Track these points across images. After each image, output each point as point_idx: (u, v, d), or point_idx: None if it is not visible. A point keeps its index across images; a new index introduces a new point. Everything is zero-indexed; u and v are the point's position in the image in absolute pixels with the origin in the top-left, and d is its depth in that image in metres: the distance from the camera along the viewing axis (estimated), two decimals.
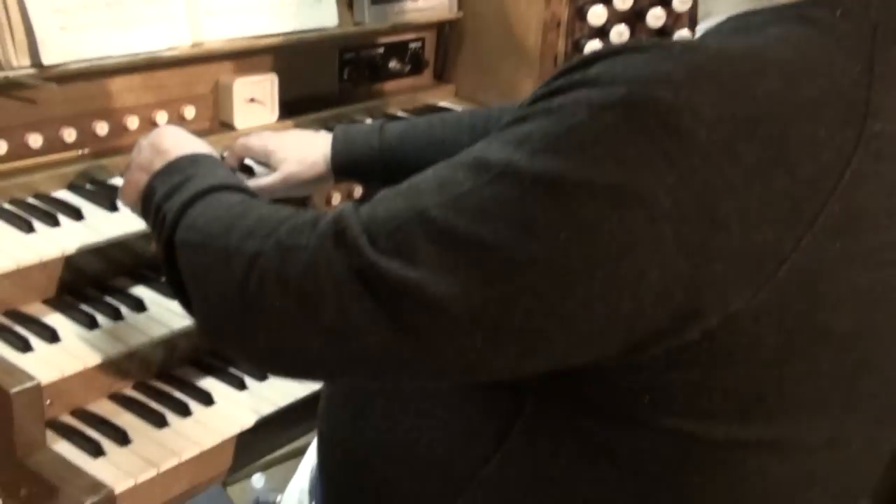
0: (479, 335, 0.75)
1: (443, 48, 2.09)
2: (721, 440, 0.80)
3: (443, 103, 2.04)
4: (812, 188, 0.72)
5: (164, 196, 1.02)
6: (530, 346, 0.75)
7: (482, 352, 0.76)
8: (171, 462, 1.14)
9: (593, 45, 1.94)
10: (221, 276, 0.86)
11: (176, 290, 0.96)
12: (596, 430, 0.83)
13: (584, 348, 0.75)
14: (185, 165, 1.07)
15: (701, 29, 0.86)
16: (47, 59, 1.35)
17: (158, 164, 1.09)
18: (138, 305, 1.29)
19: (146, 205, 1.06)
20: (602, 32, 1.94)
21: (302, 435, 1.36)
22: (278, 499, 2.13)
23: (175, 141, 1.14)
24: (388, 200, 0.80)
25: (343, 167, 1.42)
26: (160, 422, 1.19)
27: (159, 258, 0.98)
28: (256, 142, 1.48)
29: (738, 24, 0.79)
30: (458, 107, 2.02)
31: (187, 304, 0.96)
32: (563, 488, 0.87)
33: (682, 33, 1.97)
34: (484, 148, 0.77)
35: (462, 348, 0.76)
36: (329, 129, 1.78)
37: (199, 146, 1.14)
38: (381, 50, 1.94)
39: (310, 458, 1.38)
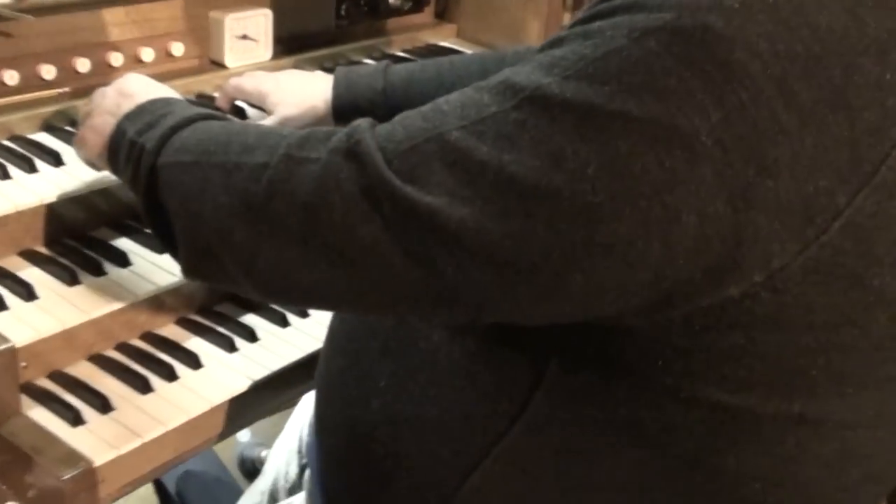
0: (492, 270, 0.69)
1: None
2: (759, 414, 0.74)
3: (445, 43, 1.94)
4: (874, 137, 0.65)
5: (138, 132, 0.94)
6: (546, 288, 0.70)
7: (493, 289, 0.71)
8: (157, 431, 1.06)
9: None
10: (220, 191, 0.81)
11: (158, 227, 0.89)
12: (623, 400, 0.77)
13: (605, 297, 0.69)
14: (159, 106, 0.98)
15: None
16: None
17: (127, 107, 1.00)
18: (122, 260, 1.20)
19: (114, 147, 0.97)
20: None
21: (297, 397, 1.29)
22: (263, 453, 2.09)
23: (143, 85, 1.05)
24: (409, 119, 0.75)
25: (344, 111, 1.33)
26: (144, 387, 1.12)
27: (137, 192, 0.90)
28: (250, 82, 1.39)
29: None
30: (460, 47, 1.92)
31: (171, 244, 0.88)
32: (587, 464, 0.81)
33: None
34: (515, 71, 0.71)
35: (472, 283, 0.71)
36: (325, 68, 1.70)
37: (169, 92, 1.06)
38: None
39: (299, 417, 1.32)
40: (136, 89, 1.04)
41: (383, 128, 0.75)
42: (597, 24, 0.68)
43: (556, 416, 0.80)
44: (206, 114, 0.94)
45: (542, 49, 0.72)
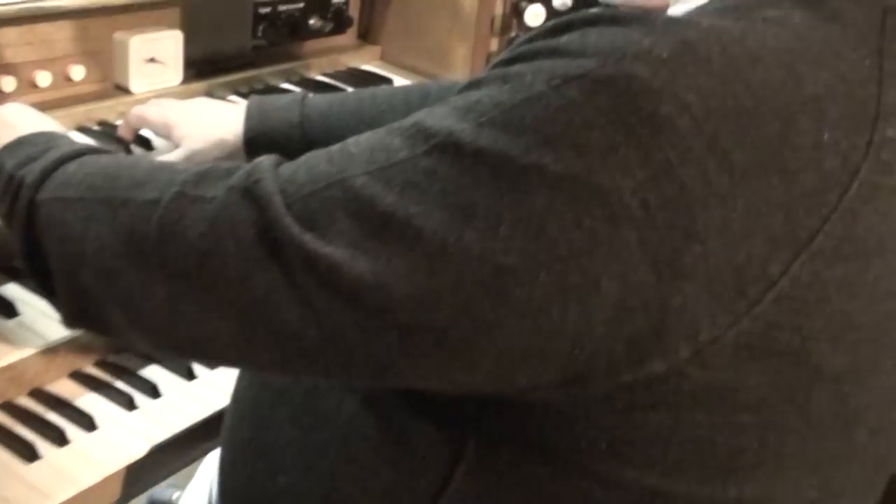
0: (394, 332, 0.63)
1: (368, 5, 1.90)
2: (694, 499, 0.69)
3: (367, 66, 1.86)
4: (811, 201, 0.61)
5: (17, 165, 0.85)
6: (452, 355, 0.63)
7: (395, 353, 0.64)
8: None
9: (534, 10, 1.78)
10: (105, 230, 0.74)
11: (36, 270, 0.81)
12: (548, 482, 0.71)
13: (517, 368, 0.63)
14: (42, 139, 0.90)
15: (679, 8, 0.73)
16: None
17: (6, 138, 0.91)
18: (8, 310, 1.10)
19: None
20: None
21: (203, 455, 1.20)
22: (175, 496, 1.98)
23: (24, 116, 0.97)
24: (314, 160, 0.68)
25: (257, 145, 1.24)
26: (30, 454, 1.01)
27: (13, 230, 0.82)
28: (155, 112, 1.29)
29: (724, 5, 0.67)
30: (383, 70, 1.85)
31: (50, 289, 0.80)
32: None
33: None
34: (429, 113, 0.65)
35: (373, 345, 0.64)
36: (240, 93, 1.61)
37: (53, 125, 0.98)
38: (300, 5, 1.74)
39: (210, 467, 1.23)
40: (16, 120, 0.96)
41: (287, 167, 0.69)
42: (516, 68, 0.63)
43: (479, 497, 0.74)
44: (93, 148, 0.87)
45: (461, 90, 0.66)
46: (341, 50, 1.85)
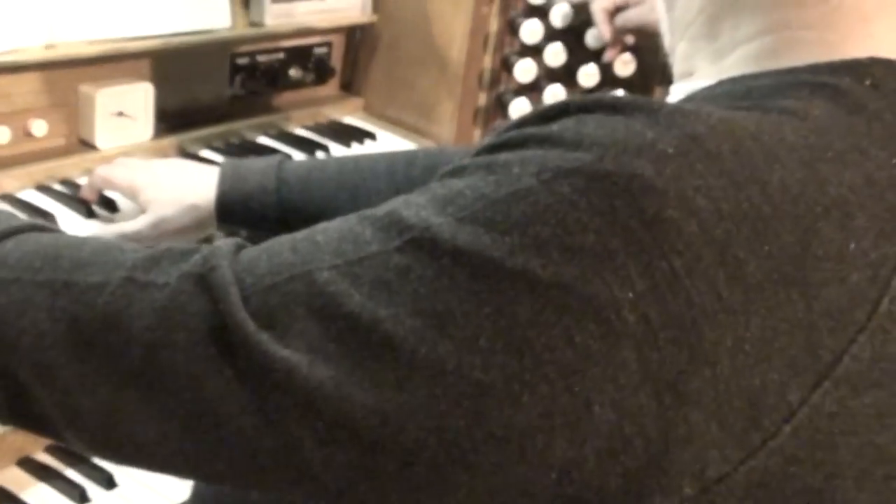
0: (355, 451, 0.55)
1: (352, 55, 1.83)
2: None
3: (349, 119, 1.78)
4: (836, 320, 0.54)
5: None
6: (420, 483, 0.56)
7: (355, 474, 0.56)
8: None
9: (524, 65, 1.71)
10: (43, 316, 0.65)
11: None
12: None
13: (494, 500, 0.55)
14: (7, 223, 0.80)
15: (681, 91, 0.67)
16: None
17: None
18: None
19: None
20: (536, 50, 1.72)
21: None
22: None
23: None
24: (277, 247, 0.61)
25: (229, 213, 1.17)
26: None
27: None
28: (121, 174, 1.21)
29: (734, 89, 0.62)
30: (365, 124, 1.78)
31: None
32: None
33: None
34: (406, 202, 0.58)
35: (331, 462, 0.56)
36: (214, 147, 1.53)
37: None
38: (280, 55, 1.67)
39: None
40: None
41: (248, 253, 0.62)
42: (503, 156, 0.56)
43: None
44: (35, 224, 0.77)
45: (443, 176, 0.59)
46: (323, 101, 1.77)
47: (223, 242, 0.63)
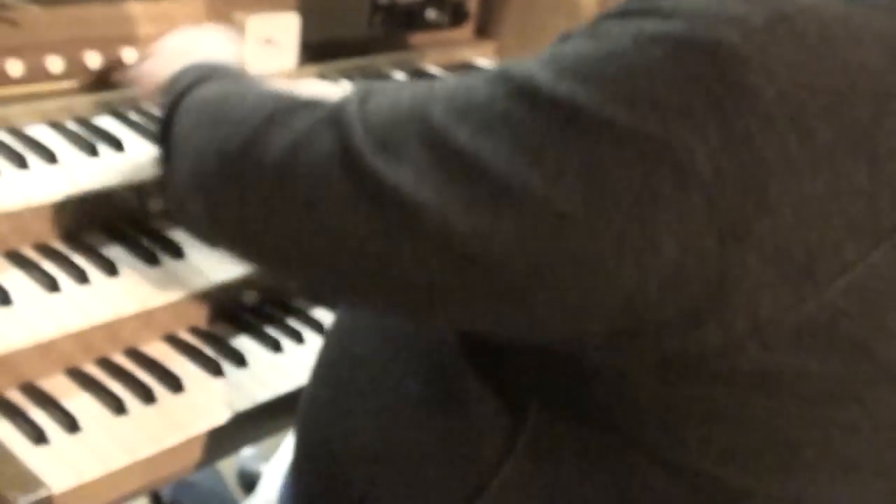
0: (447, 261, 0.64)
1: (487, 0, 1.89)
2: (751, 494, 0.67)
3: (481, 61, 1.85)
4: None
5: (185, 73, 0.99)
6: (501, 294, 0.64)
7: (445, 281, 0.65)
8: (123, 460, 0.99)
9: None
10: (207, 134, 0.82)
11: (162, 162, 0.95)
12: (604, 458, 0.71)
13: (564, 316, 0.64)
14: (218, 68, 1.00)
15: None
16: None
17: (195, 58, 1.04)
18: (110, 268, 1.13)
19: (166, 84, 1.01)
20: None
21: (283, 429, 1.21)
22: (263, 467, 2.02)
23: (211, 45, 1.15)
24: (398, 95, 0.71)
25: None
26: (118, 407, 1.04)
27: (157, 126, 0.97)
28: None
29: None
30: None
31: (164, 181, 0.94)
32: None
33: None
34: (514, 62, 0.68)
35: (425, 270, 0.65)
36: (352, 79, 1.62)
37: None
38: None
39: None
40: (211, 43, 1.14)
41: (374, 101, 0.72)
42: (605, 24, 0.63)
43: (539, 466, 0.74)
44: (243, 74, 0.99)
45: (552, 45, 0.68)
46: (457, 44, 1.85)
47: (351, 93, 0.74)
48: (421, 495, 0.81)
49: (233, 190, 0.77)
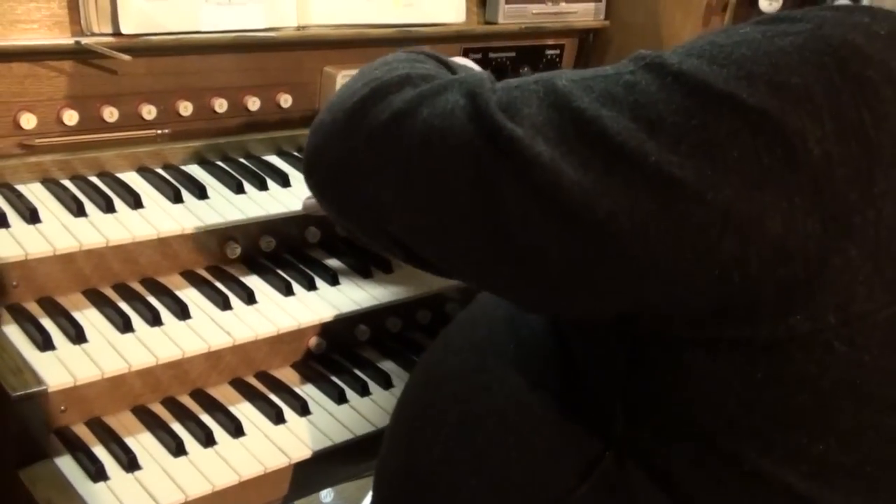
0: (552, 213, 0.65)
1: (583, 60, 1.89)
2: None
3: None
4: None
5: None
6: (600, 252, 0.65)
7: (546, 234, 0.66)
8: (175, 499, 1.00)
9: None
10: (341, 91, 0.86)
11: None
12: (686, 470, 0.71)
13: (660, 284, 0.64)
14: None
15: None
16: (126, 27, 1.24)
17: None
18: (184, 312, 1.16)
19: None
20: None
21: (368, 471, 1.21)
22: None
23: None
24: (526, 78, 0.74)
25: None
26: (178, 449, 1.06)
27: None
28: None
29: None
30: None
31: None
32: None
33: None
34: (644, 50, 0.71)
35: (528, 221, 0.67)
36: None
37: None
38: (511, 54, 1.76)
39: None
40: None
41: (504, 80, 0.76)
42: (736, 27, 0.68)
43: (621, 482, 0.75)
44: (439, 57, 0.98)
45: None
46: None
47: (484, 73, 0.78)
48: (500, 496, 0.81)
49: (348, 136, 0.79)
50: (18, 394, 0.98)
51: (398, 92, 0.77)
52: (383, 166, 0.76)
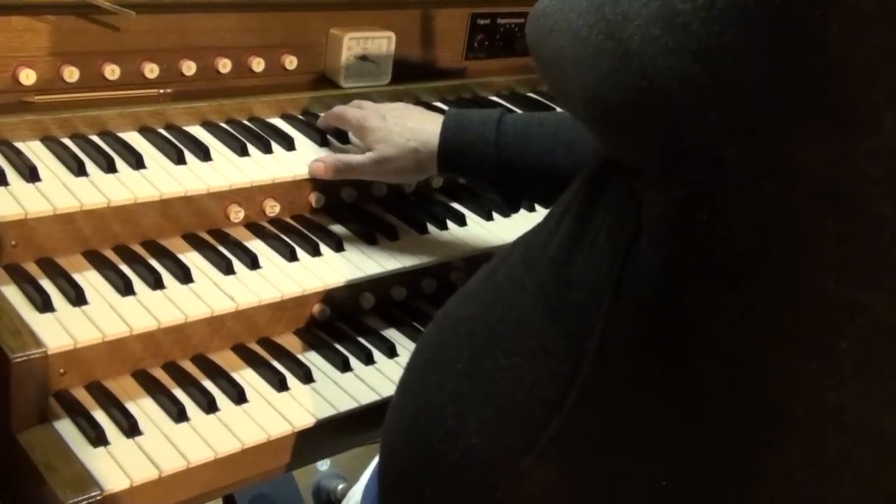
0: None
1: None
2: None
3: None
4: None
5: None
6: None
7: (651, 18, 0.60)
8: (176, 465, 0.98)
9: None
10: None
11: None
12: (687, 367, 0.70)
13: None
14: None
15: None
16: None
17: None
18: (186, 275, 1.13)
19: None
20: None
21: (371, 440, 1.20)
22: (340, 487, 2.01)
23: None
24: None
25: (449, 160, 1.22)
26: (179, 415, 1.04)
27: None
28: (354, 115, 1.31)
29: None
30: None
31: None
32: (635, 451, 0.74)
33: None
34: None
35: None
36: (447, 101, 1.61)
37: None
38: (520, 20, 1.73)
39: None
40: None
41: None
42: None
43: (610, 384, 0.73)
44: None
45: None
46: None
47: None
48: (503, 425, 0.80)
49: None
50: (17, 355, 0.96)
51: None
52: None
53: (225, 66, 1.37)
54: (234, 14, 1.36)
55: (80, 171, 1.14)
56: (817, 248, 0.60)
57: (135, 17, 1.21)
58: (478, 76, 1.68)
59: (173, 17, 1.30)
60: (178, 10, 1.30)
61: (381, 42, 1.51)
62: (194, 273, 1.14)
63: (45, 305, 1.03)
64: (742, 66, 0.57)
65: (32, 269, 1.10)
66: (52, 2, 1.18)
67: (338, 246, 1.26)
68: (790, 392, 0.66)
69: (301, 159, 1.30)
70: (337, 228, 1.31)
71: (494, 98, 1.68)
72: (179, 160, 1.22)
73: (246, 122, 1.37)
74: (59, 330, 1.01)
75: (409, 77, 1.57)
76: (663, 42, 0.60)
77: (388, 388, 1.15)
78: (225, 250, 1.19)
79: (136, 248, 1.18)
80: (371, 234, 1.30)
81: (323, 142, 1.36)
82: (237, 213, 1.25)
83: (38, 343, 0.98)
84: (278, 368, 1.15)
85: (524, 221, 1.41)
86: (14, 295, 1.04)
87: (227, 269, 1.16)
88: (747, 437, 0.69)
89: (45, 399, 1.01)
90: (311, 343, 1.21)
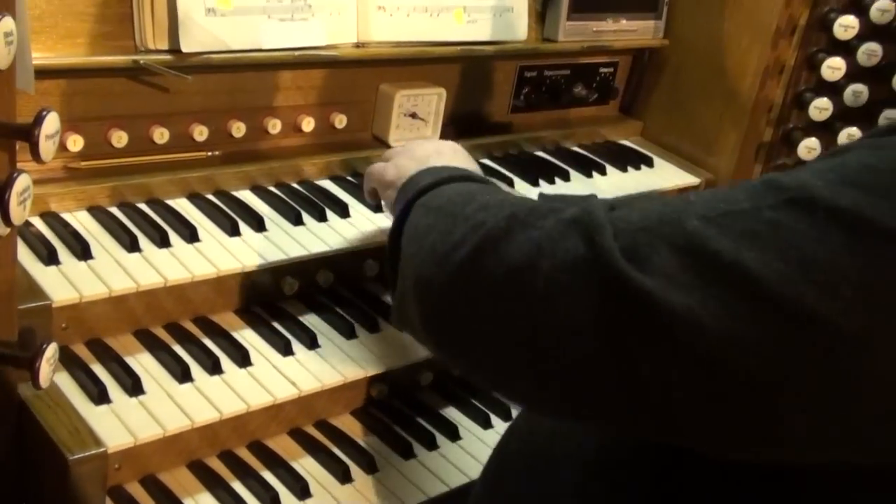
0: (695, 373, 0.59)
1: (636, 78, 1.81)
2: None
3: (626, 142, 1.77)
4: None
5: (424, 174, 0.95)
6: (754, 414, 0.59)
7: (689, 398, 0.60)
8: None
9: (820, 103, 1.63)
10: (440, 237, 0.76)
11: (389, 263, 0.90)
12: None
13: (827, 440, 0.59)
14: (452, 169, 0.96)
15: None
16: (187, 45, 1.15)
17: (434, 162, 1.01)
18: (244, 358, 1.07)
19: (404, 185, 0.97)
20: (833, 89, 1.63)
21: None
22: None
23: (458, 155, 1.10)
24: (647, 203, 0.67)
25: None
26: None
27: (392, 224, 0.92)
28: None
29: None
30: (641, 147, 1.75)
31: (391, 284, 0.90)
32: None
33: None
34: (780, 174, 0.63)
35: (667, 386, 0.60)
36: (494, 157, 1.56)
37: (474, 167, 1.08)
38: (566, 72, 1.68)
39: None
40: (449, 153, 1.07)
41: (621, 209, 0.68)
42: (892, 139, 0.60)
43: None
44: (477, 177, 0.94)
45: (818, 159, 0.64)
46: (601, 121, 1.77)
47: (593, 198, 0.71)
48: None
49: (459, 291, 0.72)
50: (76, 456, 0.89)
51: (508, 238, 0.69)
52: (507, 319, 0.68)
53: (275, 126, 1.31)
54: (285, 72, 1.30)
55: (132, 246, 1.08)
56: None
57: (190, 80, 1.15)
58: (524, 130, 1.63)
59: (224, 76, 1.24)
60: (231, 70, 1.24)
61: (432, 98, 1.46)
62: (252, 355, 1.08)
63: (100, 397, 0.96)
64: None
65: (83, 352, 1.03)
66: (104, 64, 1.12)
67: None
68: None
69: (356, 226, 1.24)
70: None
71: (540, 153, 1.63)
72: (234, 231, 1.16)
73: (296, 186, 1.31)
74: (118, 425, 0.94)
75: (457, 133, 1.52)
76: None
77: (450, 476, 1.09)
78: (280, 326, 1.13)
79: (188, 325, 1.11)
80: None
81: (377, 208, 1.30)
82: (291, 286, 1.19)
83: (97, 442, 0.91)
84: (340, 456, 1.08)
85: None
86: (67, 384, 0.98)
87: (286, 350, 1.10)
88: None
89: (100, 497, 0.95)
90: (371, 426, 1.15)
